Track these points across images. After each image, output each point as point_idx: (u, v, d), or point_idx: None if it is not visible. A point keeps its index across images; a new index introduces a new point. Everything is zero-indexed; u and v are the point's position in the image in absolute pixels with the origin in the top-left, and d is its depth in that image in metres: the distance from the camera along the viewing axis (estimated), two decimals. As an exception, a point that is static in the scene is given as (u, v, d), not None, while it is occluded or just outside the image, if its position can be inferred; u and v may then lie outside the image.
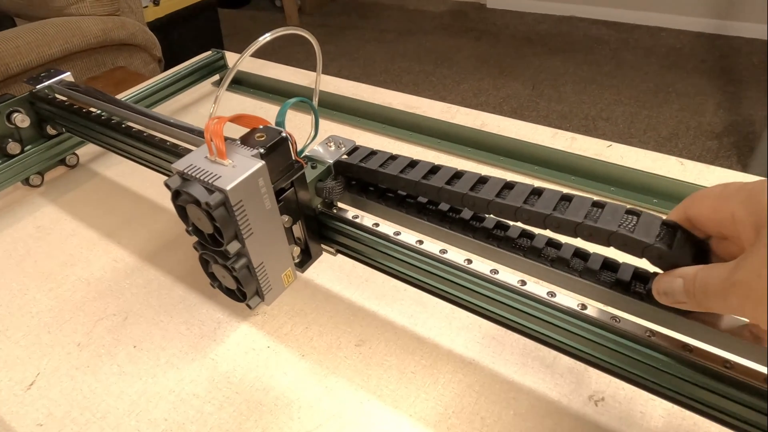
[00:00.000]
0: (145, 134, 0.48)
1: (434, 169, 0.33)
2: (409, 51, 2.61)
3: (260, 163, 0.28)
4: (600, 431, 0.33)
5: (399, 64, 2.50)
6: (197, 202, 0.27)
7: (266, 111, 0.72)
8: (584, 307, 0.28)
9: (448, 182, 0.31)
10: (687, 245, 0.24)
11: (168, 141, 0.46)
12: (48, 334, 0.44)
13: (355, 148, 0.36)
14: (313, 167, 0.35)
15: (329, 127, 0.67)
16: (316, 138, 0.36)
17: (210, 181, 0.27)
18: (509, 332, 0.34)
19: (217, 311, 0.44)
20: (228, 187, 0.26)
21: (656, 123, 1.87)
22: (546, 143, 0.57)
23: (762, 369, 0.25)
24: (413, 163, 0.34)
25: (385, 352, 0.40)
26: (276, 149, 0.29)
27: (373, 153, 0.35)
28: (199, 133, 0.45)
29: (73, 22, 1.40)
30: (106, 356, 0.41)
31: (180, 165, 0.28)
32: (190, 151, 0.44)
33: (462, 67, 2.40)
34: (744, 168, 1.61)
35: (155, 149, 0.47)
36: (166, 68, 1.81)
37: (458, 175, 0.32)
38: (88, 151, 0.66)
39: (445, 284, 0.33)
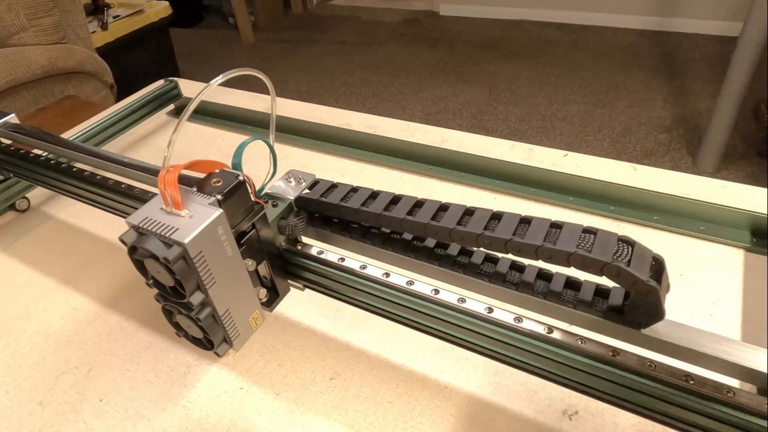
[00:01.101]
0: (98, 177, 0.46)
1: (395, 200, 0.33)
2: (366, 62, 2.63)
3: (218, 212, 0.27)
4: (576, 445, 0.34)
5: (358, 75, 2.51)
6: (155, 257, 0.26)
7: (224, 140, 0.71)
8: (551, 330, 0.29)
9: (409, 212, 0.31)
10: (644, 260, 0.25)
11: (123, 183, 0.45)
12: (6, 395, 0.41)
13: (316, 182, 0.36)
14: (274, 205, 0.35)
15: (289, 152, 0.66)
16: (275, 175, 0.36)
17: (167, 235, 0.26)
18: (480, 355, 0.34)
19: (186, 355, 0.43)
20: (186, 240, 0.25)
21: (610, 120, 1.94)
22: (505, 156, 0.59)
23: (723, 380, 0.26)
24: (374, 195, 0.34)
25: (360, 383, 0.39)
26: (234, 194, 0.29)
27: (333, 186, 0.35)
28: (155, 173, 0.44)
29: (16, 53, 1.35)
30: (71, 413, 0.39)
31: (134, 219, 0.27)
32: (145, 192, 0.43)
33: (420, 76, 2.43)
34: (693, 159, 1.68)
35: (109, 192, 0.45)
36: (119, 93, 1.76)
37: (419, 204, 0.32)
38: (39, 193, 0.63)
39: (413, 315, 0.33)
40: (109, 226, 0.58)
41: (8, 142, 0.56)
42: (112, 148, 0.70)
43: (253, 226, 0.31)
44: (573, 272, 0.31)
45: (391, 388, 0.39)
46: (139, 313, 0.47)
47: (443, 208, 0.31)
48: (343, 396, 0.39)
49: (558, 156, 0.60)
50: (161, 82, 0.76)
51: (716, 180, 0.53)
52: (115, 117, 0.68)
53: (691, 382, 0.25)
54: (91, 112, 0.93)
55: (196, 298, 0.27)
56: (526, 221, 0.29)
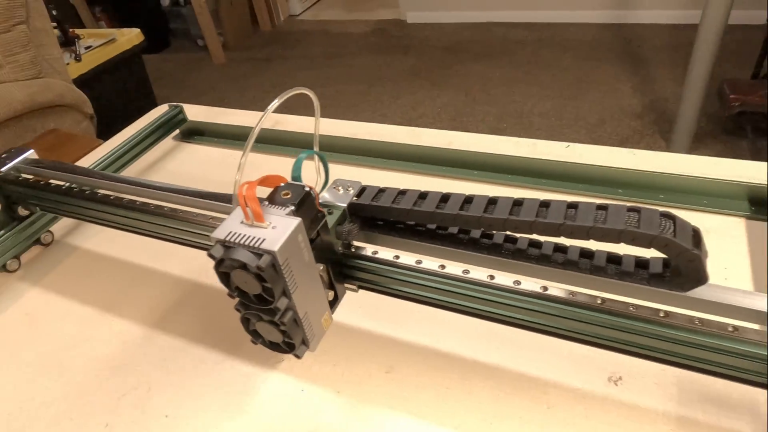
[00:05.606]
0: (137, 203, 0.48)
1: (444, 198, 0.36)
2: (340, 74, 2.66)
3: (297, 221, 0.29)
4: (625, 408, 0.37)
5: (333, 87, 2.53)
6: (244, 267, 0.28)
7: (235, 159, 0.73)
8: (603, 301, 0.32)
9: (461, 208, 0.34)
10: (686, 231, 0.28)
11: (165, 206, 0.47)
12: (71, 421, 0.42)
13: (363, 189, 0.39)
14: (329, 213, 0.37)
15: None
16: (327, 185, 0.38)
17: (255, 245, 0.28)
18: (524, 333, 0.37)
19: (242, 365, 0.45)
20: (276, 248, 0.28)
21: (583, 112, 2.01)
22: (511, 152, 0.62)
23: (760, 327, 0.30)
24: (423, 195, 0.36)
25: (415, 373, 0.42)
26: (305, 204, 0.31)
27: (381, 191, 0.38)
28: (194, 194, 0.45)
29: (-5, 92, 1.34)
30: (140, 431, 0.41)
31: (220, 234, 0.29)
32: (175, 210, 0.45)
33: (395, 83, 2.47)
34: (667, 143, 1.76)
35: (151, 216, 0.47)
36: (99, 123, 1.75)
37: (469, 200, 0.35)
38: (60, 226, 0.64)
39: (470, 301, 0.36)
40: (138, 252, 0.59)
41: (30, 177, 0.57)
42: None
43: (318, 233, 0.34)
44: (611, 248, 0.34)
45: (446, 374, 0.41)
46: (187, 332, 0.48)
47: (492, 201, 0.34)
48: (402, 386, 0.41)
49: (560, 147, 0.64)
50: (165, 107, 0.77)
51: (710, 158, 0.58)
52: (126, 146, 0.70)
53: (735, 332, 0.29)
54: (76, 144, 0.92)
55: (282, 303, 0.29)
56: (573, 206, 0.32)
